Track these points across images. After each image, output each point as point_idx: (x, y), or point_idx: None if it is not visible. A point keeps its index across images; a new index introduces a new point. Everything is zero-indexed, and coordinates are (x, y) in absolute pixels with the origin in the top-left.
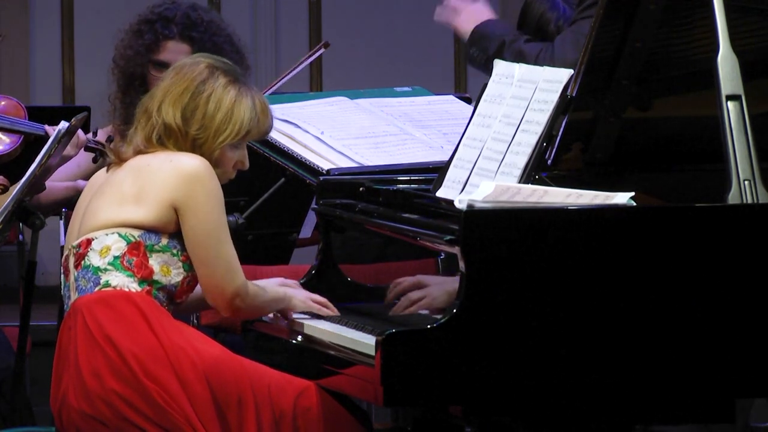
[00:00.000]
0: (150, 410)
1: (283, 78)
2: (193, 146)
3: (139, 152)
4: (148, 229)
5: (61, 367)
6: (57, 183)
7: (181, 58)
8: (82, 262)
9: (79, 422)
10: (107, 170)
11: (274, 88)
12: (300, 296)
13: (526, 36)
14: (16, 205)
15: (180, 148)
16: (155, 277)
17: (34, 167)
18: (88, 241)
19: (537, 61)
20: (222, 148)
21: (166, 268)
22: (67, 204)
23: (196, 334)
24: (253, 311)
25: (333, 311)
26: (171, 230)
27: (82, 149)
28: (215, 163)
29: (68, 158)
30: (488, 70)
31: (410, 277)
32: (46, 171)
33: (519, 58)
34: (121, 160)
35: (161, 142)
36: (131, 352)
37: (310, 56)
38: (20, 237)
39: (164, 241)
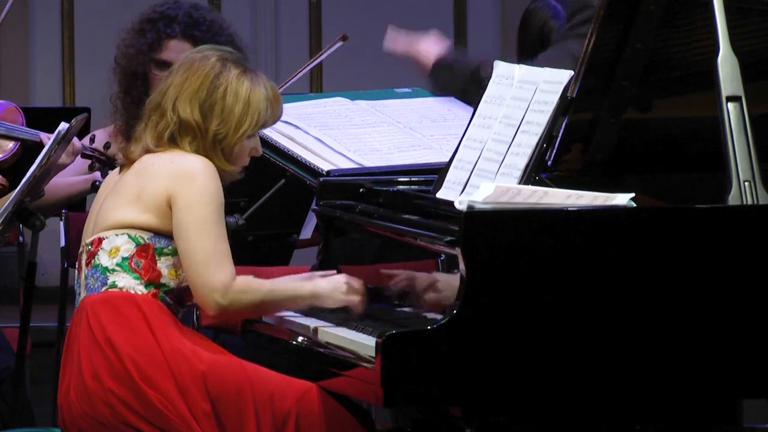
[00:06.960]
0: (148, 413)
1: (304, 68)
2: (214, 141)
3: (147, 151)
4: (157, 232)
5: (67, 361)
6: (61, 179)
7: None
8: (93, 261)
9: (80, 421)
10: (119, 171)
11: (294, 80)
12: (334, 296)
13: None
14: (16, 206)
15: (197, 145)
16: (162, 281)
17: (34, 168)
18: (99, 240)
19: None
20: (241, 140)
21: (173, 272)
22: (68, 203)
23: (199, 339)
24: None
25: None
26: None
27: (79, 157)
28: (234, 158)
29: (64, 167)
30: (463, 96)
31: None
32: (45, 174)
33: None
34: (130, 161)
35: (173, 140)
36: (129, 355)
37: (329, 49)
38: (20, 238)
39: (173, 244)
